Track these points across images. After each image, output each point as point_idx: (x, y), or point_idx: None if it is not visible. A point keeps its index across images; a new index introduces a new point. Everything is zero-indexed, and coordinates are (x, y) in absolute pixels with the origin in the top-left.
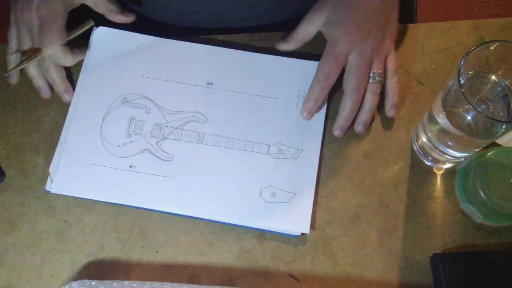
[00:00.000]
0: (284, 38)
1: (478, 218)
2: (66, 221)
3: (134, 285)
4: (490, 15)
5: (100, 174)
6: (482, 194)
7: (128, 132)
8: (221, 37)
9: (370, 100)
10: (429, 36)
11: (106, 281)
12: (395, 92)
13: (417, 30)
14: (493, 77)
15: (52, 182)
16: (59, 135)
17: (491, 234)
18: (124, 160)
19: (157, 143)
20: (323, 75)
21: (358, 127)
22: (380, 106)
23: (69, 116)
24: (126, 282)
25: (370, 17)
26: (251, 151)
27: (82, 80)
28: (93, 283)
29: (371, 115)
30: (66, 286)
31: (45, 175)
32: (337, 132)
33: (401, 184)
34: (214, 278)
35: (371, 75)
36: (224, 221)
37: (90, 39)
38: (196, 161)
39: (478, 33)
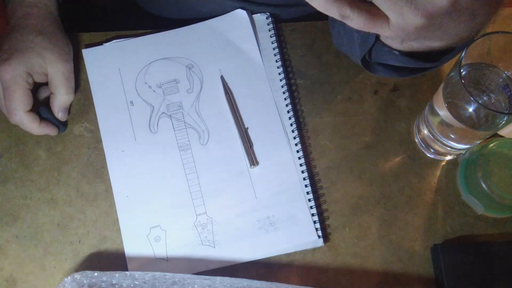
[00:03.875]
0: None
1: (479, 209)
2: (68, 213)
3: (136, 276)
4: None
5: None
6: (483, 185)
7: None
8: None
9: None
10: None
11: (108, 272)
12: None
13: None
14: (495, 68)
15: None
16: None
17: (492, 225)
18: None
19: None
20: None
21: None
22: (381, 97)
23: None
24: (128, 273)
25: None
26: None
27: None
28: (95, 274)
29: None
30: (69, 278)
31: (47, 167)
32: None
33: (402, 175)
34: (216, 268)
35: None
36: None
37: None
38: None
39: None
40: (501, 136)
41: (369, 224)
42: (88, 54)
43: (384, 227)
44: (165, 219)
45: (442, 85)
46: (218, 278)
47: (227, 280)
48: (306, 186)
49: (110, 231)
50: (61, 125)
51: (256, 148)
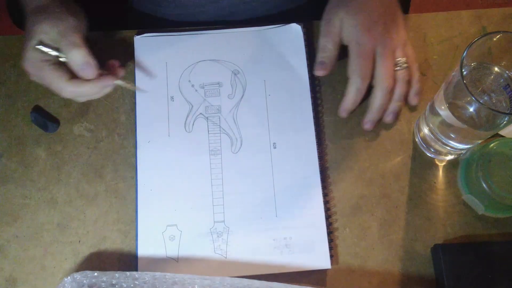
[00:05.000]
0: (319, 64)
1: (480, 209)
2: (68, 213)
3: (136, 276)
4: (492, 5)
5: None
6: (484, 185)
7: None
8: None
9: (400, 89)
10: (431, 26)
11: (108, 272)
12: (417, 79)
13: (419, 20)
14: (496, 68)
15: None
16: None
17: (492, 225)
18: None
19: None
20: (358, 77)
21: (388, 117)
22: None
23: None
24: (128, 273)
25: (382, 13)
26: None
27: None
28: (95, 274)
29: (400, 104)
30: (69, 278)
31: (47, 167)
32: (367, 125)
33: (402, 175)
34: None
35: (397, 63)
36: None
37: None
38: None
39: (480, 23)
40: (502, 136)
41: (369, 224)
42: (139, 41)
43: (385, 227)
44: (183, 219)
45: (443, 85)
46: (218, 278)
47: (227, 280)
48: (327, 212)
49: (110, 231)
50: (50, 125)
51: (285, 166)
